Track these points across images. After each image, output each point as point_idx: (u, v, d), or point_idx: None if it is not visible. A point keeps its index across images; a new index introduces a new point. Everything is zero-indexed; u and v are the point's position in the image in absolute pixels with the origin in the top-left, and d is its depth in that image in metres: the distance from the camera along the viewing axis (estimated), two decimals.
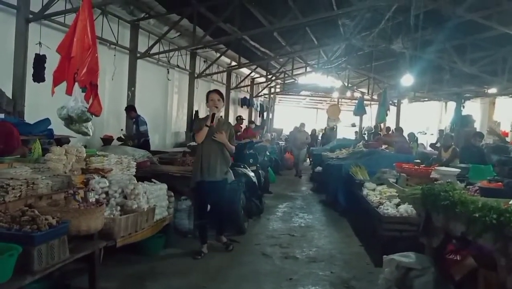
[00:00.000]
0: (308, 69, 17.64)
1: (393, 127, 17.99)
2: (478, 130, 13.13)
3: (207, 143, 5.11)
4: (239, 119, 15.46)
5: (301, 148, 14.33)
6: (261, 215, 7.53)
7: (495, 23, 8.47)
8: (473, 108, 16.60)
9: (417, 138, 16.08)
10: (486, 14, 8.39)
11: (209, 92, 5.36)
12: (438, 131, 17.77)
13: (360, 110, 17.81)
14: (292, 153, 14.86)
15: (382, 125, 19.10)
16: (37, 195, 3.77)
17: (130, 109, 8.94)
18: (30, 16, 6.52)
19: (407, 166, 6.56)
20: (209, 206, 5.41)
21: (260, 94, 22.13)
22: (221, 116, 5.28)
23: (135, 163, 5.56)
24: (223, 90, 16.47)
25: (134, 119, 8.83)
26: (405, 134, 13.56)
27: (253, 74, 18.61)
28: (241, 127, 15.11)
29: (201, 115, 14.24)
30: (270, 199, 9.27)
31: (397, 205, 5.58)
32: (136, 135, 8.74)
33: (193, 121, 5.31)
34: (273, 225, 7.18)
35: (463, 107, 15.53)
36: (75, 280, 3.99)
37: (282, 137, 19.92)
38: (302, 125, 14.78)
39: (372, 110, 18.13)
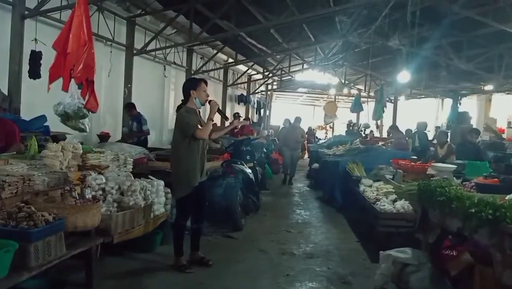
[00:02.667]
0: (305, 66, 17.65)
1: (387, 124, 17.99)
2: (474, 126, 13.17)
3: (202, 141, 4.60)
4: (236, 116, 15.45)
5: (294, 149, 11.57)
6: (258, 212, 7.54)
7: (491, 20, 8.50)
8: (469, 105, 16.64)
9: (414, 134, 16.10)
10: (482, 11, 8.42)
11: (202, 80, 4.71)
12: (434, 128, 17.82)
13: (357, 107, 17.87)
14: (281, 154, 11.94)
15: (379, 122, 19.15)
16: (34, 191, 3.76)
17: (131, 107, 8.87)
18: (26, 12, 6.49)
19: (403, 163, 6.59)
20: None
21: (257, 91, 22.11)
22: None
23: (132, 159, 5.54)
24: (220, 87, 16.51)
25: (135, 117, 8.78)
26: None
27: (250, 71, 18.60)
28: None
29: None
30: (267, 195, 9.28)
31: (394, 201, 5.61)
32: (137, 133, 8.71)
33: (185, 115, 4.71)
34: (270, 221, 7.19)
35: (460, 104, 15.58)
36: (72, 276, 3.99)
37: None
38: (297, 119, 11.99)
39: (369, 107, 18.15)
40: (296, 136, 11.59)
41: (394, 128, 12.62)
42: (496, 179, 4.65)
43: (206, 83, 4.72)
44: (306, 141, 17.37)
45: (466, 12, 8.29)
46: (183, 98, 4.70)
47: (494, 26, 8.71)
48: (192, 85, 4.67)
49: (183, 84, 4.78)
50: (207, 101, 4.67)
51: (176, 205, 4.80)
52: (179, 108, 4.71)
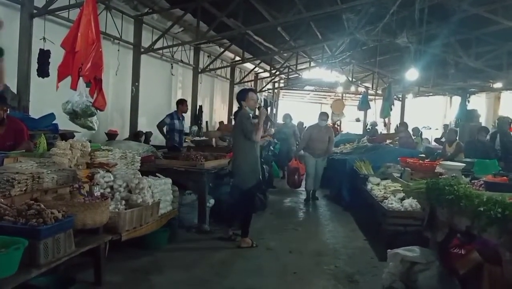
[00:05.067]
0: (312, 64, 17.59)
1: (394, 122, 17.80)
2: (483, 124, 13.06)
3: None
4: None
5: (320, 156, 8.77)
6: (265, 210, 7.55)
7: (500, 17, 8.43)
8: (478, 102, 16.51)
9: (421, 132, 16.00)
10: (491, 8, 8.36)
11: (250, 91, 5.65)
12: (443, 126, 17.70)
13: (364, 105, 17.76)
14: (303, 162, 9.09)
15: (386, 120, 19.00)
16: (43, 189, 3.79)
17: (185, 103, 8.85)
18: (34, 11, 6.53)
19: (411, 161, 6.55)
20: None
21: (264, 89, 22.09)
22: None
23: (140, 157, 5.57)
24: (226, 85, 16.52)
25: (181, 116, 8.78)
26: (410, 129, 13.37)
27: (257, 69, 18.58)
28: None
29: (205, 110, 14.26)
30: (274, 194, 9.28)
31: (402, 199, 5.59)
32: (181, 132, 8.78)
33: (245, 122, 5.47)
34: (277, 219, 7.19)
35: (468, 101, 15.47)
36: (81, 273, 4.02)
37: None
38: (323, 116, 9.04)
39: (376, 105, 18.05)
40: (323, 138, 8.74)
41: (403, 124, 12.32)
42: (505, 178, 4.61)
43: (255, 92, 5.78)
44: None
45: (475, 10, 8.23)
46: (239, 106, 5.71)
47: (503, 23, 8.64)
48: (242, 96, 5.56)
49: (236, 94, 5.83)
50: (257, 107, 5.65)
51: (246, 195, 5.55)
52: (236, 113, 5.74)
